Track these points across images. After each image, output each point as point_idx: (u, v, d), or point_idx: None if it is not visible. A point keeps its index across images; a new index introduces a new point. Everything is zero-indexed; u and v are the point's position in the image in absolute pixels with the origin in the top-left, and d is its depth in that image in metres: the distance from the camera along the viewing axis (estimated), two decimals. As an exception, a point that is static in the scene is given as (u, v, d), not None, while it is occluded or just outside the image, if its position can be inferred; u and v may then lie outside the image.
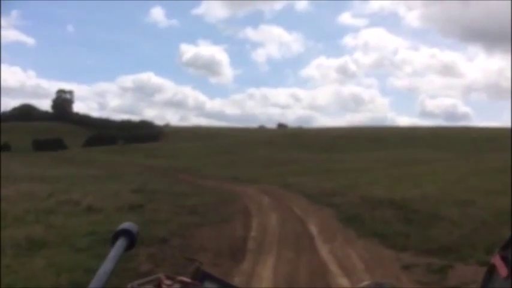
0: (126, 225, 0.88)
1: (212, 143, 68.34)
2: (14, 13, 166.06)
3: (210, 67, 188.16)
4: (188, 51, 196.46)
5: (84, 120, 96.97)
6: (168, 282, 0.94)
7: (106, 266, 0.76)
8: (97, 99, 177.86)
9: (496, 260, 0.88)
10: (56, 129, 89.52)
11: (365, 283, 0.99)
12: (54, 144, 71.12)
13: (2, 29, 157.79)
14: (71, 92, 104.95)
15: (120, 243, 0.84)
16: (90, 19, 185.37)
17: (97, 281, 0.72)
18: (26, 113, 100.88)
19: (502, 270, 0.85)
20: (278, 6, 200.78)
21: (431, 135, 64.97)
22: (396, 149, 50.85)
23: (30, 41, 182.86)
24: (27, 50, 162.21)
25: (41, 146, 70.35)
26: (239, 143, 64.91)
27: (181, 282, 0.95)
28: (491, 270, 0.90)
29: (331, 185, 16.59)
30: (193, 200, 13.23)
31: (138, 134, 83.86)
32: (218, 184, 22.05)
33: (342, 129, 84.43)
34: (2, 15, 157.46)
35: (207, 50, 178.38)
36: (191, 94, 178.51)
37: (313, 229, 8.69)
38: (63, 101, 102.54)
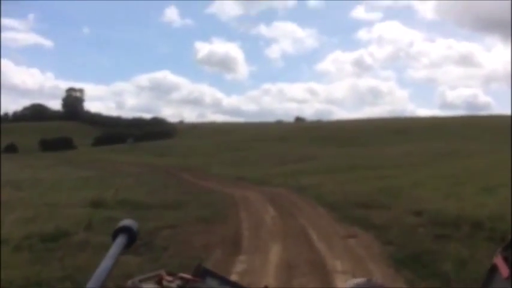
0: (126, 222, 0.86)
1: (226, 139, 64.67)
2: (31, 16, 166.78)
3: (225, 64, 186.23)
4: (203, 49, 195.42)
5: (95, 119, 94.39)
6: (169, 278, 0.93)
7: (105, 264, 0.74)
8: (115, 99, 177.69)
9: (498, 261, 0.89)
10: (66, 128, 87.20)
11: (356, 281, 0.92)
12: (61, 144, 68.40)
13: (19, 33, 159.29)
14: (81, 91, 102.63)
15: (120, 240, 0.82)
16: (105, 20, 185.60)
17: (96, 279, 0.69)
18: (37, 112, 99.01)
19: (504, 270, 0.86)
20: (291, 3, 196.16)
21: (457, 125, 59.68)
22: (424, 141, 46.01)
23: (47, 43, 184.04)
24: (45, 52, 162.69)
25: (49, 145, 67.69)
26: (254, 139, 61.01)
27: (183, 278, 0.94)
28: (493, 270, 0.90)
29: (361, 190, 12.29)
30: (165, 219, 9.17)
31: (149, 132, 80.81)
32: (219, 187, 18.30)
33: (362, 121, 79.60)
34: (19, 19, 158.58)
35: (221, 47, 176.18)
36: (208, 91, 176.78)
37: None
38: (73, 100, 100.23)
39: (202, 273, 0.95)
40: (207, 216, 9.40)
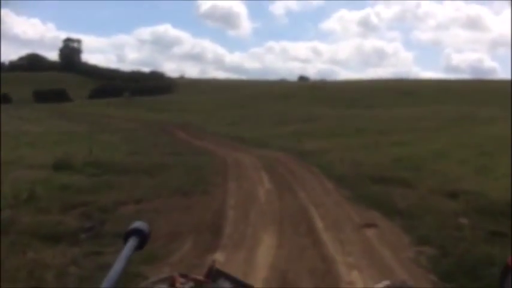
0: (137, 224, 0.85)
1: (227, 96, 62.40)
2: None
3: (228, 19, 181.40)
4: (205, 2, 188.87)
5: (92, 71, 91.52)
6: (182, 280, 0.93)
7: (117, 266, 0.74)
8: (115, 52, 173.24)
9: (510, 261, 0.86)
10: (62, 79, 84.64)
11: (386, 282, 0.89)
12: (56, 96, 66.18)
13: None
14: (79, 41, 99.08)
15: (131, 242, 0.82)
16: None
17: (108, 281, 0.70)
18: (33, 63, 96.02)
19: None
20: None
21: (465, 89, 57.01)
22: (432, 103, 43.71)
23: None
24: (46, 2, 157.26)
25: (43, 97, 65.48)
26: (256, 96, 58.78)
27: (195, 280, 0.93)
28: (506, 271, 0.88)
29: (374, 159, 10.47)
30: (134, 189, 7.39)
31: (147, 86, 78.33)
32: (213, 147, 16.62)
33: (367, 82, 76.79)
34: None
35: (224, 1, 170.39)
36: (210, 47, 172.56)
37: None
38: (70, 51, 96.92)
39: (215, 274, 0.94)
40: (188, 187, 7.62)
